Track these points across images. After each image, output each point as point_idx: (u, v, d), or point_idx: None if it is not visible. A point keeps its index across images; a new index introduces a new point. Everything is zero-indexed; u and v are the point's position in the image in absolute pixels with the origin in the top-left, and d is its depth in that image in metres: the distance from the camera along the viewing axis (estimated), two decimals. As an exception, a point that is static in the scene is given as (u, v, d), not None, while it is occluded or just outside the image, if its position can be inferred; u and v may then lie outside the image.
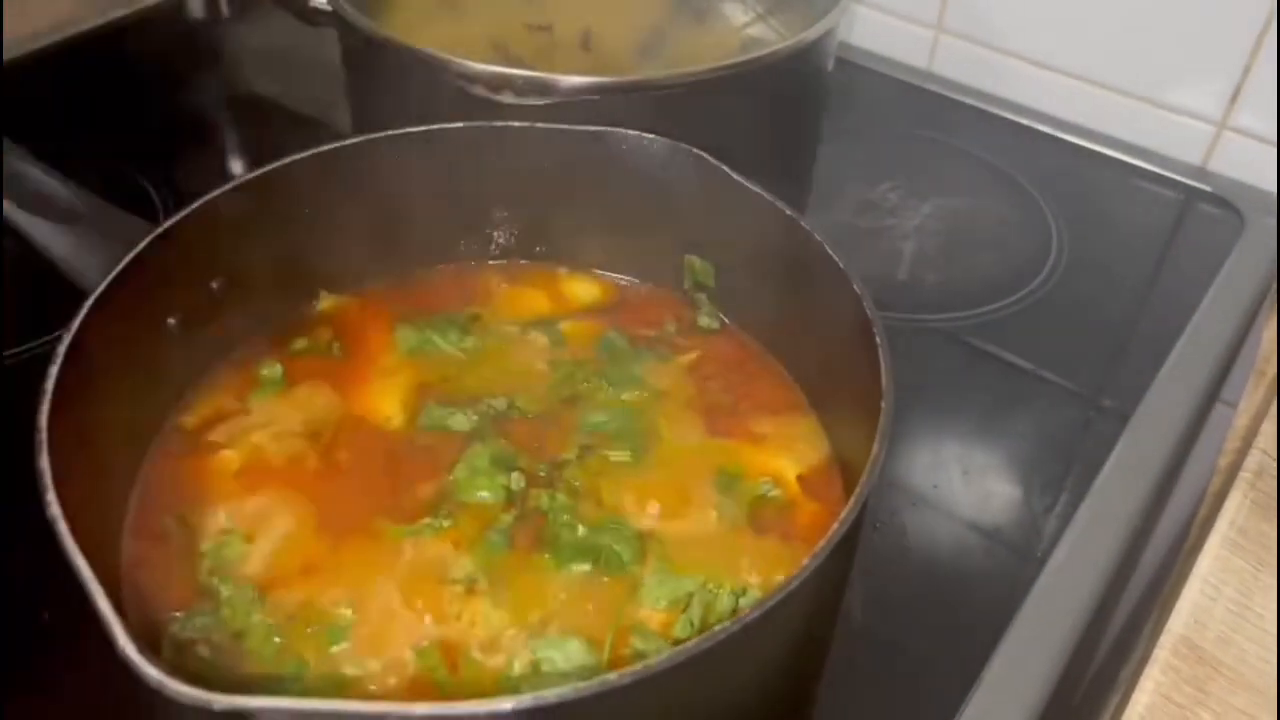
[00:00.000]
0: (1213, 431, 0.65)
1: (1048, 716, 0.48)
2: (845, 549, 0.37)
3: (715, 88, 0.59)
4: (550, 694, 0.31)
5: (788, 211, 0.48)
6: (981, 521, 0.56)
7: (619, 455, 0.48)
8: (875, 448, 0.37)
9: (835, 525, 0.35)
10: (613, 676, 0.31)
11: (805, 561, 0.34)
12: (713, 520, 0.46)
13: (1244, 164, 0.79)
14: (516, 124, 0.52)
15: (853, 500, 0.36)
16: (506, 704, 0.30)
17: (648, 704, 0.34)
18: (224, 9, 0.99)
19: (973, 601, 0.53)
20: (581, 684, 0.31)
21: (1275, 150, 0.77)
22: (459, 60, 0.55)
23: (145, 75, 0.89)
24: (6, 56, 0.86)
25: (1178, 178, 0.80)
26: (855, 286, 0.44)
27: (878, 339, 0.41)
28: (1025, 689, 0.48)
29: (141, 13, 0.94)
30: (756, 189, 0.49)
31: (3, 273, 0.62)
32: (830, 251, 0.45)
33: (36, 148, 0.51)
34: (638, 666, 0.31)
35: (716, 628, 0.32)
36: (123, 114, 0.83)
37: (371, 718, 0.30)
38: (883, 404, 0.39)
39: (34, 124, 0.79)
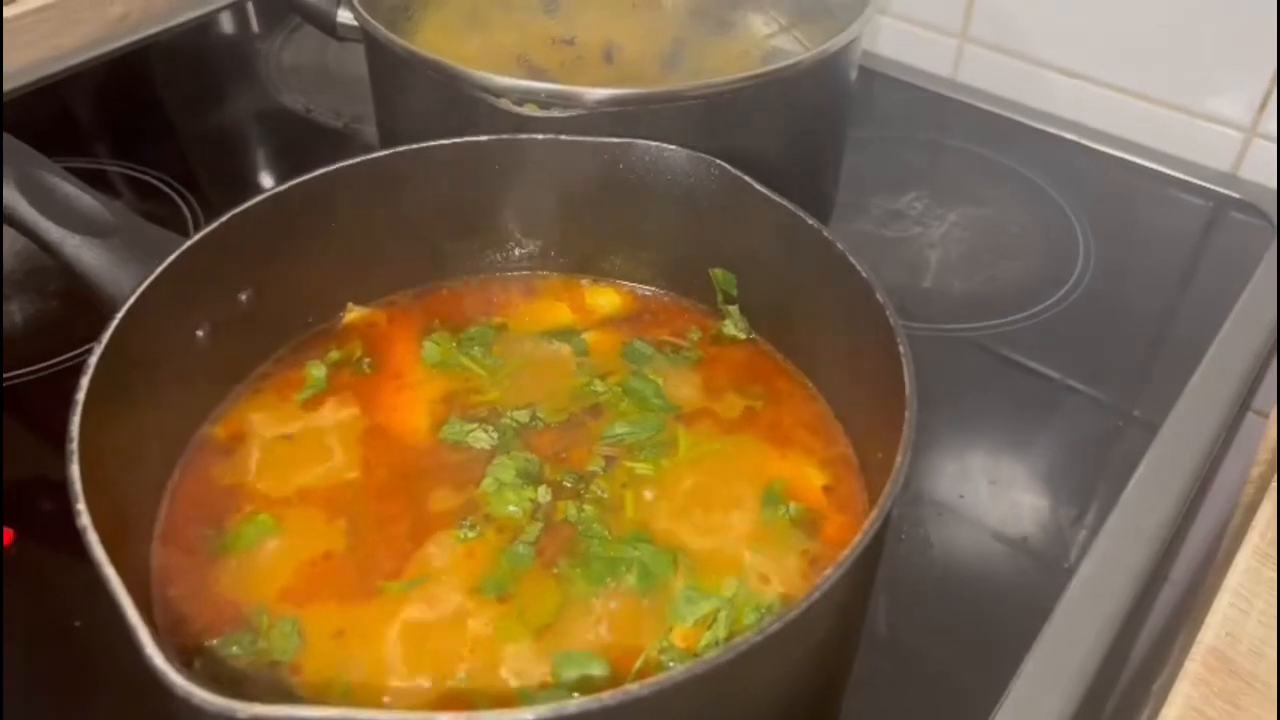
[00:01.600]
0: (1244, 441, 0.64)
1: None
2: (868, 560, 0.37)
3: (738, 99, 0.59)
4: (572, 706, 0.31)
5: (810, 221, 0.48)
6: (1008, 532, 0.56)
7: (644, 467, 0.48)
8: (899, 458, 0.37)
9: (858, 536, 0.35)
10: (634, 687, 0.31)
11: (828, 572, 0.34)
12: (740, 533, 0.46)
13: (1274, 170, 0.78)
14: (540, 136, 0.52)
15: (875, 511, 0.36)
16: (527, 715, 0.30)
17: (670, 716, 0.34)
18: (255, 26, 1.00)
19: (999, 613, 0.53)
20: (605, 694, 0.31)
21: (1307, 157, 0.76)
22: (484, 74, 0.55)
23: (178, 92, 0.90)
24: (43, 75, 0.88)
25: (1207, 185, 0.79)
26: (879, 296, 0.44)
27: (901, 349, 0.41)
28: (1052, 702, 0.48)
29: (174, 31, 0.95)
30: (779, 199, 0.49)
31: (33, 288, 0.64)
32: (854, 261, 0.45)
33: (72, 164, 0.52)
34: (660, 677, 0.31)
35: (738, 639, 0.32)
36: (156, 130, 0.85)
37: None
38: (906, 414, 0.39)
39: (70, 141, 0.81)
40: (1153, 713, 0.45)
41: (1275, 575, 0.49)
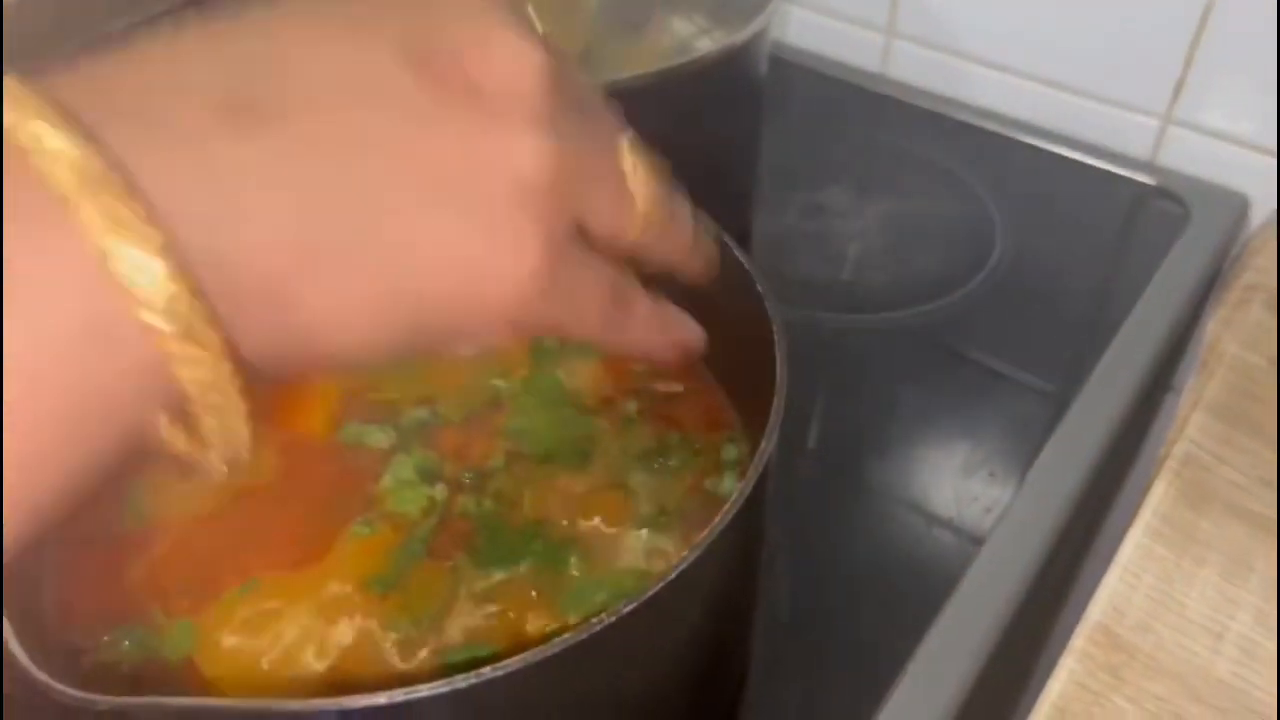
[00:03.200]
0: (1165, 425, 0.66)
1: (973, 704, 0.49)
2: (734, 540, 0.38)
3: (646, 95, 0.59)
4: (441, 685, 0.31)
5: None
6: (924, 508, 0.57)
7: (545, 464, 0.49)
8: (764, 443, 0.38)
9: (717, 518, 0.35)
10: (486, 670, 0.31)
11: (685, 554, 0.34)
12: (639, 525, 0.47)
13: (1190, 157, 0.79)
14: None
15: (737, 493, 0.36)
16: (380, 698, 0.31)
17: (536, 695, 0.35)
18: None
19: (910, 588, 0.54)
20: (458, 678, 0.31)
21: (1220, 142, 0.78)
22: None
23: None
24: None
25: (1125, 173, 0.80)
26: (759, 286, 0.44)
27: (775, 334, 0.42)
28: (957, 667, 0.49)
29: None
30: (670, 194, 0.49)
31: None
32: (737, 254, 0.46)
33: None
34: (516, 658, 0.32)
35: (593, 619, 0.33)
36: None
37: (252, 713, 0.30)
38: (774, 399, 0.40)
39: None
40: (1038, 687, 0.46)
41: (1165, 552, 0.50)
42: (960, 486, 0.58)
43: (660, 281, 0.52)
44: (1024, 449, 0.60)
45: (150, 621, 0.42)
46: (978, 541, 0.55)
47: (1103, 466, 0.61)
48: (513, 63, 0.28)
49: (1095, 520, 0.72)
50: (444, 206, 0.26)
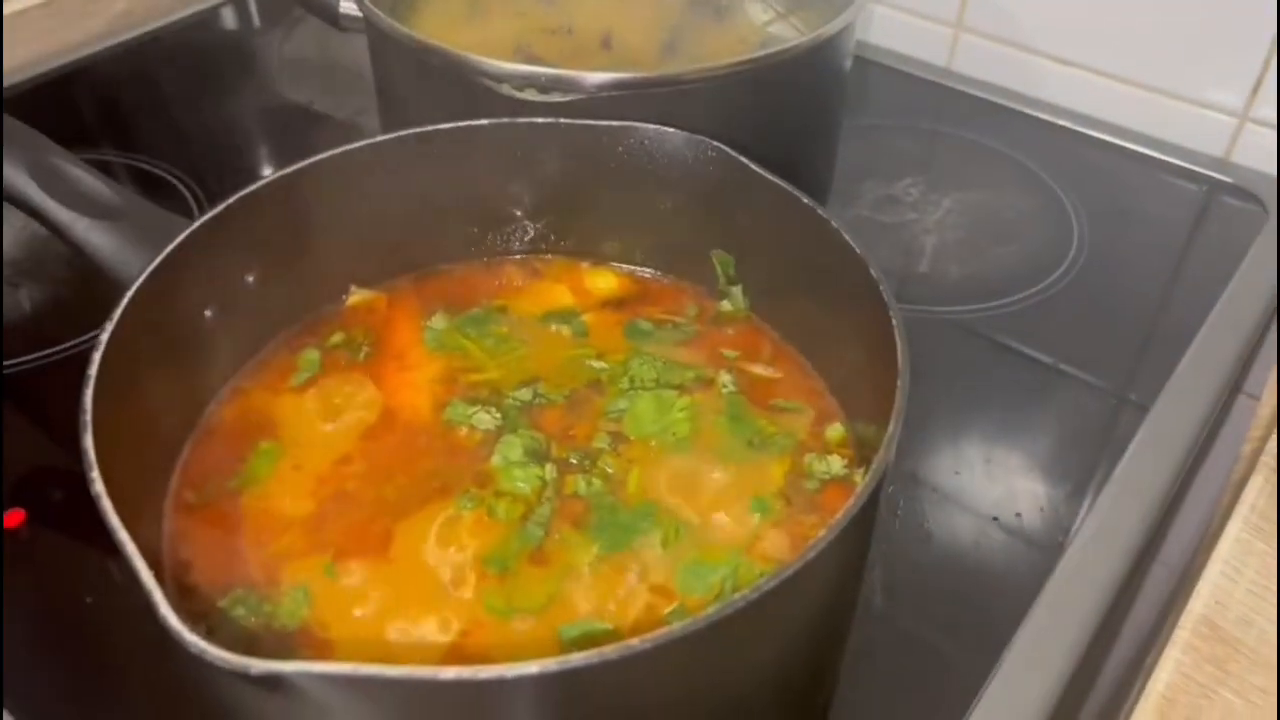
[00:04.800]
0: (1236, 424, 0.65)
1: (1066, 701, 0.49)
2: (860, 526, 0.38)
3: (735, 83, 0.60)
4: (576, 659, 0.32)
5: (806, 201, 0.49)
6: (1002, 511, 0.57)
7: (648, 444, 0.49)
8: (891, 427, 0.38)
9: (849, 501, 0.36)
10: (635, 642, 0.32)
11: (820, 534, 0.35)
12: (745, 506, 0.47)
13: (1267, 155, 0.79)
14: (540, 120, 0.53)
15: (869, 476, 0.37)
16: (532, 668, 0.31)
17: (670, 671, 0.35)
18: (256, 19, 1.01)
19: (993, 589, 0.53)
20: (607, 648, 0.32)
21: (1299, 141, 0.77)
22: (484, 59, 0.56)
23: (182, 86, 0.91)
24: (49, 69, 0.89)
25: (1200, 170, 0.80)
26: (873, 272, 0.45)
27: (894, 321, 0.42)
28: (1042, 676, 0.49)
29: (177, 25, 0.97)
30: (776, 180, 0.50)
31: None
32: (848, 238, 0.46)
33: (78, 155, 0.53)
34: (660, 632, 0.32)
35: (735, 596, 0.33)
36: (161, 123, 0.86)
37: (399, 681, 0.31)
38: (899, 382, 0.40)
39: (76, 134, 0.82)
40: (1145, 681, 0.46)
41: (1265, 547, 0.50)
42: (1036, 488, 0.58)
43: (771, 263, 0.53)
44: (1101, 452, 0.60)
45: (264, 589, 0.43)
46: (1056, 547, 0.54)
47: (1183, 475, 0.60)
48: None
49: (1164, 524, 0.72)
50: None
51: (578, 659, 0.31)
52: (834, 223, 0.47)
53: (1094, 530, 0.56)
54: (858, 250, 0.46)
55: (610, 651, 0.32)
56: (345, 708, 0.33)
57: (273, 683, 0.31)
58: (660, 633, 0.32)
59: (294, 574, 0.44)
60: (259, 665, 0.31)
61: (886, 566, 0.54)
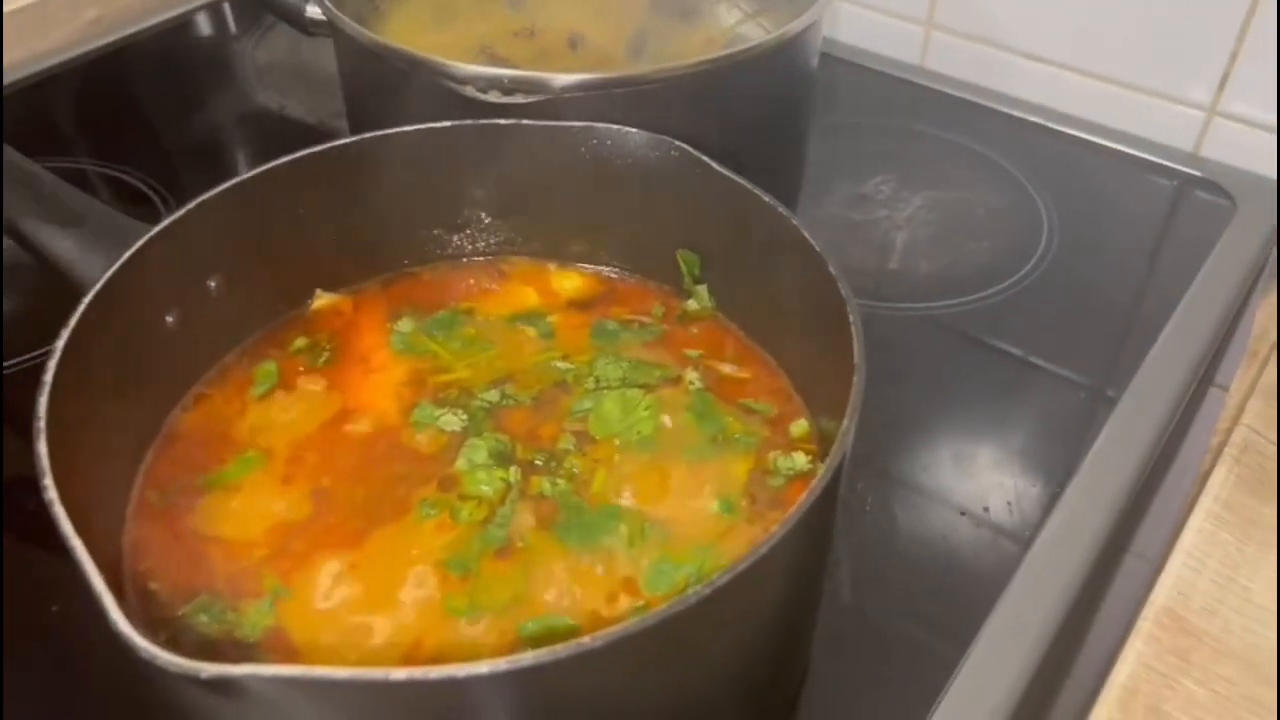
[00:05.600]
0: (1208, 416, 0.66)
1: (1034, 691, 0.49)
2: (817, 519, 0.38)
3: (700, 83, 0.60)
4: (526, 658, 0.32)
5: (766, 199, 0.49)
6: (971, 504, 0.57)
7: (614, 443, 0.49)
8: (845, 421, 0.38)
9: (802, 496, 0.36)
10: (586, 640, 0.32)
11: (773, 530, 0.35)
12: (710, 504, 0.47)
13: (1235, 148, 0.79)
14: (503, 121, 0.53)
15: (822, 472, 0.37)
16: (483, 667, 0.31)
17: (627, 668, 0.35)
18: (231, 26, 1.01)
19: (962, 582, 0.54)
20: (559, 647, 0.32)
21: (1266, 134, 0.78)
22: (446, 62, 0.56)
23: (155, 93, 0.91)
24: (20, 76, 0.88)
25: (1170, 164, 0.80)
26: (830, 269, 0.45)
27: (851, 318, 0.42)
28: (1011, 664, 0.49)
29: (150, 32, 0.96)
30: (737, 179, 0.50)
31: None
32: (807, 236, 0.46)
33: (50, 165, 0.53)
34: (612, 629, 0.32)
35: (689, 591, 0.33)
36: (133, 131, 0.85)
37: (350, 683, 0.31)
38: (854, 379, 0.40)
39: (47, 143, 0.82)
40: (1106, 670, 0.46)
41: (1228, 537, 0.50)
42: (1008, 479, 0.58)
43: (735, 261, 0.53)
44: (1070, 444, 0.60)
45: (227, 596, 0.43)
46: (1025, 538, 0.55)
47: (1151, 463, 0.61)
48: None
49: (1135, 516, 0.72)
50: None
51: (528, 658, 0.31)
52: (794, 220, 0.47)
53: (1062, 522, 0.56)
54: (816, 247, 0.46)
55: (562, 650, 0.32)
56: (299, 711, 0.33)
57: (224, 687, 0.31)
58: (612, 630, 0.32)
59: (258, 580, 0.44)
60: (209, 669, 0.31)
61: (855, 561, 0.54)
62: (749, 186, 0.49)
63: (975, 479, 0.59)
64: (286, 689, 0.32)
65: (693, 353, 0.53)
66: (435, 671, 0.31)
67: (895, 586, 0.53)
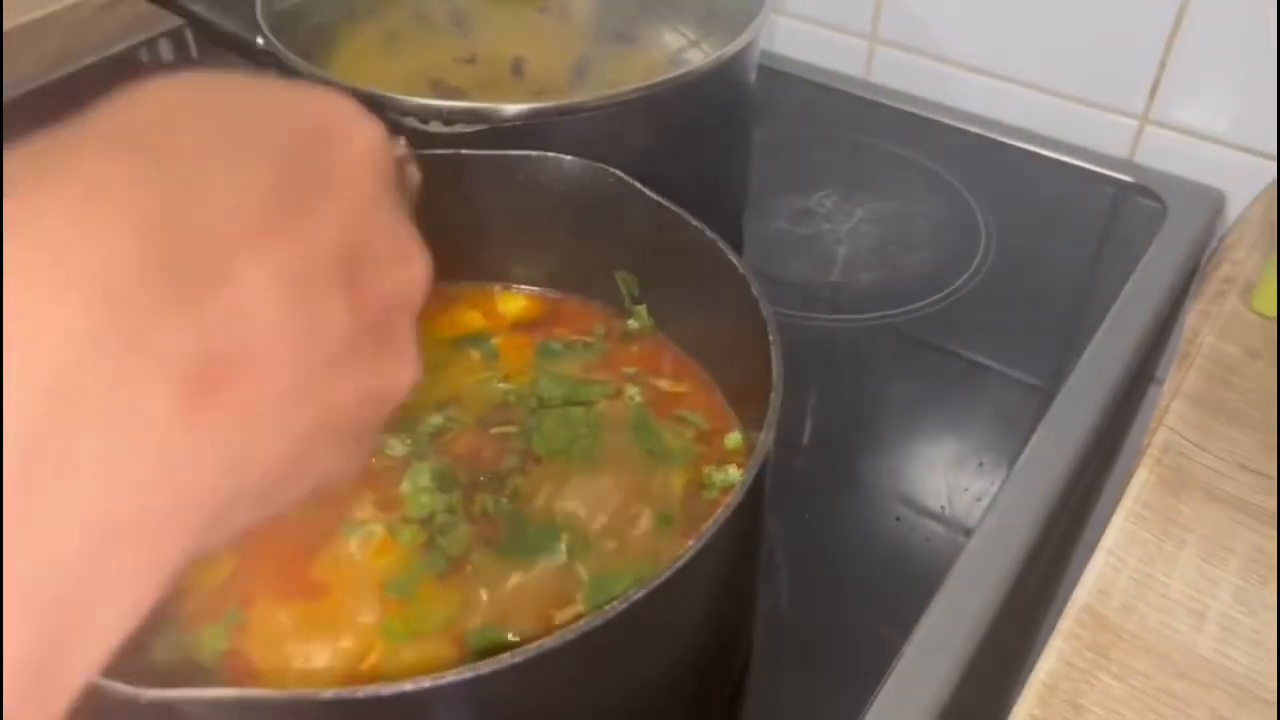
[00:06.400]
0: (1150, 414, 0.68)
1: (972, 680, 0.51)
2: (739, 528, 0.40)
3: (642, 107, 0.62)
4: (451, 675, 0.33)
5: (694, 222, 0.51)
6: (912, 503, 0.59)
7: (557, 461, 0.51)
8: (763, 435, 0.40)
9: (720, 509, 0.37)
10: (506, 656, 0.33)
11: (690, 543, 0.36)
12: (649, 518, 0.49)
13: (1167, 154, 0.82)
14: (442, 151, 0.55)
15: (738, 487, 0.38)
16: (407, 685, 0.33)
17: (553, 682, 0.37)
18: (194, 51, 1.03)
19: (902, 577, 0.56)
20: (482, 664, 0.33)
21: (1197, 140, 0.80)
22: (387, 94, 0.58)
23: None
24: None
25: (1105, 171, 0.83)
26: (753, 289, 0.47)
27: (770, 335, 0.44)
28: (945, 659, 0.51)
29: (114, 59, 0.98)
30: (665, 203, 0.52)
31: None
32: (731, 257, 0.48)
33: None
34: (535, 645, 0.34)
35: (608, 605, 0.35)
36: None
37: (281, 703, 0.32)
38: (771, 395, 0.42)
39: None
40: (1029, 669, 0.48)
41: (1148, 535, 0.52)
42: (951, 479, 0.60)
43: (670, 281, 0.55)
44: (1012, 441, 0.62)
45: (182, 621, 0.44)
46: (968, 531, 0.57)
47: (1088, 456, 0.63)
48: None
49: (1083, 508, 0.74)
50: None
51: (453, 674, 0.33)
52: (720, 243, 0.49)
53: (999, 513, 0.58)
54: (740, 269, 0.48)
55: (484, 666, 0.33)
56: (240, 732, 0.35)
57: (164, 710, 0.33)
58: (535, 645, 0.34)
59: (211, 608, 0.45)
60: (149, 694, 0.32)
61: (794, 567, 0.56)
62: (678, 211, 0.51)
63: (917, 478, 0.61)
64: (226, 711, 0.33)
65: (628, 369, 0.55)
66: (362, 690, 0.33)
67: (835, 588, 0.55)
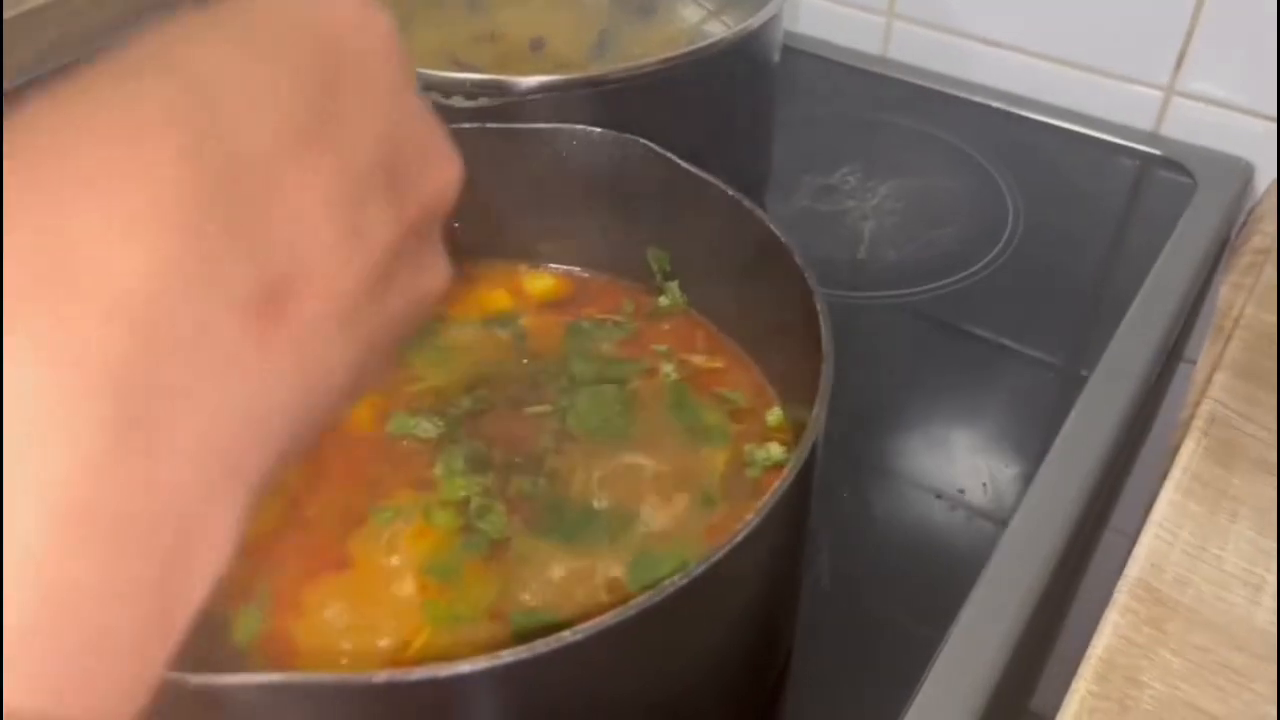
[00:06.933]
0: (1178, 391, 0.67)
1: (1014, 668, 0.50)
2: (790, 508, 0.39)
3: (664, 81, 0.60)
4: (506, 655, 0.32)
5: (731, 193, 0.49)
6: (947, 487, 0.58)
7: (592, 440, 0.50)
8: (816, 408, 0.39)
9: (776, 483, 0.36)
10: (566, 634, 0.32)
11: (748, 518, 0.35)
12: (690, 497, 0.48)
13: (1195, 126, 0.80)
14: (466, 125, 0.53)
15: (792, 462, 0.37)
16: (464, 667, 0.31)
17: (608, 661, 0.35)
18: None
19: (941, 563, 0.54)
20: (538, 643, 0.32)
21: (1224, 111, 0.79)
22: (409, 69, 0.56)
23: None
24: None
25: (1131, 144, 0.81)
26: (797, 259, 0.45)
27: (818, 305, 0.43)
28: (990, 642, 0.50)
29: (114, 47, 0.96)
30: (702, 174, 0.50)
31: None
32: (773, 228, 0.47)
33: None
34: (591, 623, 0.33)
35: (665, 582, 0.33)
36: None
37: (331, 686, 0.31)
38: (823, 367, 0.40)
39: None
40: (1084, 643, 0.47)
41: (1198, 508, 0.51)
42: (983, 461, 0.59)
43: (704, 256, 0.53)
44: (1043, 423, 0.61)
45: (217, 605, 0.43)
46: (1004, 516, 0.55)
47: (1123, 439, 0.62)
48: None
49: (1112, 492, 0.73)
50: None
51: (508, 655, 0.32)
52: (758, 213, 0.48)
53: (1036, 500, 0.57)
54: (782, 239, 0.46)
55: (540, 646, 0.32)
56: (288, 717, 0.33)
57: (211, 696, 0.32)
58: (590, 624, 0.32)
59: (246, 590, 0.44)
60: (196, 678, 0.31)
61: (834, 549, 0.55)
62: (714, 181, 0.50)
63: (950, 462, 0.59)
64: (274, 695, 0.32)
65: (660, 347, 0.54)
66: (416, 673, 0.31)
67: (874, 572, 0.54)
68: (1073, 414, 0.61)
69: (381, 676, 0.31)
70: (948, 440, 0.61)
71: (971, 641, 0.50)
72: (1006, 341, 0.66)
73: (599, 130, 0.53)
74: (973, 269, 0.71)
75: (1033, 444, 0.60)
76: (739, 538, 0.35)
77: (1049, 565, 0.54)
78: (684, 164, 0.51)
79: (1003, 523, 0.55)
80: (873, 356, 0.66)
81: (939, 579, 0.53)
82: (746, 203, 0.49)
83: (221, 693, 0.31)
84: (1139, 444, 0.74)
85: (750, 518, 0.35)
